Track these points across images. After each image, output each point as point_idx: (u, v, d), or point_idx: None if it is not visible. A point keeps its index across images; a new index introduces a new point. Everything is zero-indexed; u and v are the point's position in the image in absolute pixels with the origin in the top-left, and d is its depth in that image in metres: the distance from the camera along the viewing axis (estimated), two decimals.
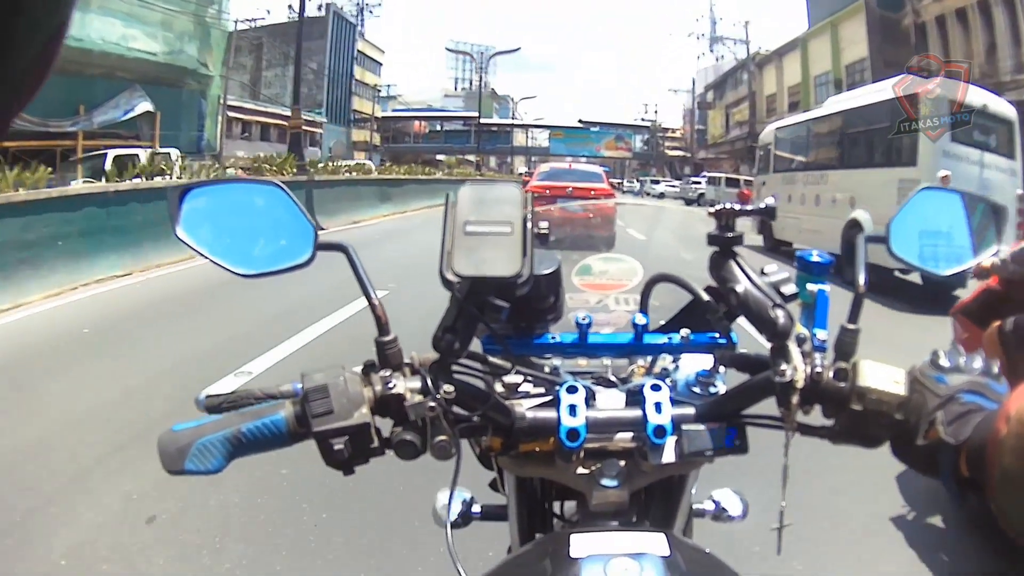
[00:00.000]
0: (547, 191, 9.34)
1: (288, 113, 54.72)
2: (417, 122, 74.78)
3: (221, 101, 35.12)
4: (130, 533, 2.36)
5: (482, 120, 72.61)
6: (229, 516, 2.47)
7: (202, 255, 0.64)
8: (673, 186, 46.20)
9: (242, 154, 23.30)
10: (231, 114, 44.30)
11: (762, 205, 0.80)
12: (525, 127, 70.55)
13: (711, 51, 55.70)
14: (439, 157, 78.83)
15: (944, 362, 0.63)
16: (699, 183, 37.77)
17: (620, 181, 68.07)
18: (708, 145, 51.20)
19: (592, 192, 9.84)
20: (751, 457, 0.72)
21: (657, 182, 51.83)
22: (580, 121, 70.19)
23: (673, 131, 70.75)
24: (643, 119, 72.44)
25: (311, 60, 60.31)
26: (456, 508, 1.01)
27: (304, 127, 55.85)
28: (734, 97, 45.88)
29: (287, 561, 2.20)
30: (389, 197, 19.11)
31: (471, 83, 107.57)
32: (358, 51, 64.80)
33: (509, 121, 71.38)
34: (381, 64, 71.00)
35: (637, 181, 51.65)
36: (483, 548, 1.12)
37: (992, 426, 0.51)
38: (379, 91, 68.83)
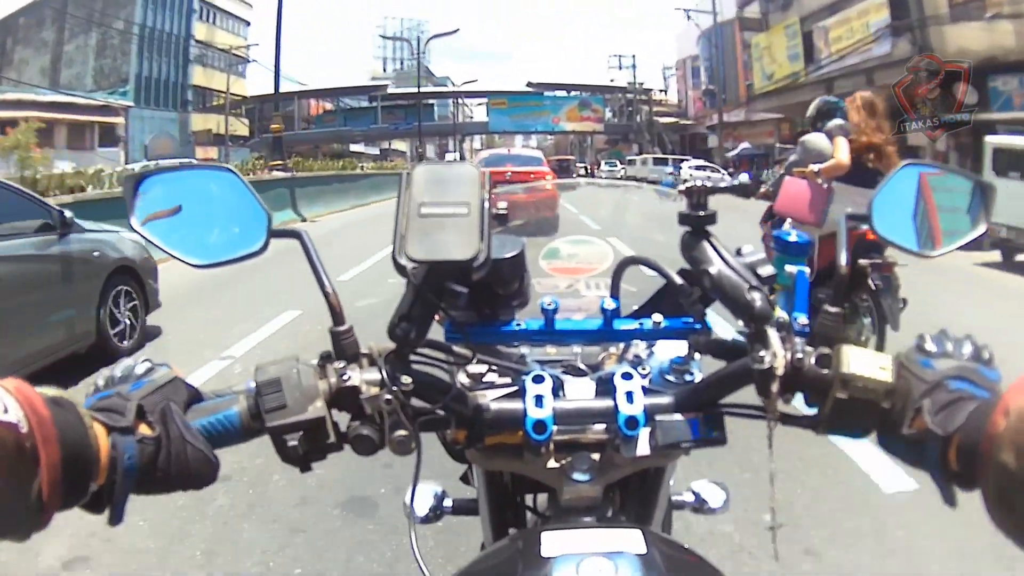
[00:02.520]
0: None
1: (82, 100, 34.07)
2: (314, 101, 54.84)
3: None
4: None
5: (392, 91, 52.92)
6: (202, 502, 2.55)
7: (157, 247, 0.63)
8: (704, 167, 26.90)
9: None
10: None
11: (736, 182, 0.73)
12: (455, 96, 50.87)
13: None
14: (354, 148, 59.01)
15: (931, 346, 0.59)
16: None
17: (585, 166, 49.54)
18: (753, 97, 30.42)
19: (532, 175, 9.91)
20: (731, 447, 0.69)
21: (665, 162, 33.28)
22: (530, 84, 51.03)
23: (654, 93, 52.05)
24: (612, 81, 53.15)
25: (115, 16, 40.26)
26: (427, 503, 1.00)
27: (88, 117, 34.62)
28: None
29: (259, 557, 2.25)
30: None
31: (403, 63, 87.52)
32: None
33: (432, 89, 51.05)
34: (248, 23, 50.52)
35: (673, 164, 31.13)
36: (458, 542, 1.10)
37: (988, 419, 0.48)
38: (242, 57, 48.11)
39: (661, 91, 52.48)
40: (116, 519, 0.53)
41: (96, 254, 4.46)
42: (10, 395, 0.44)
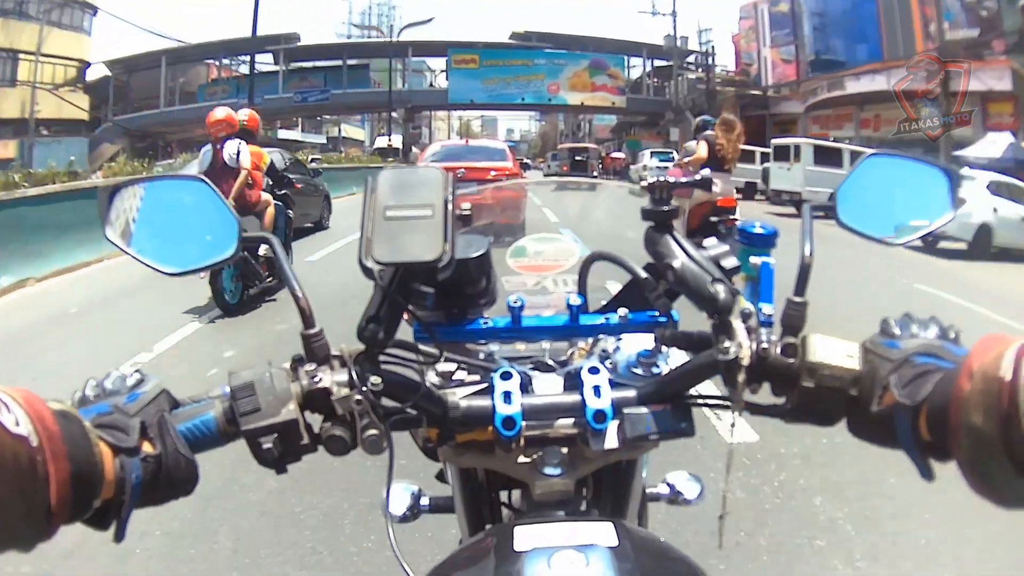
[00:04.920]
0: None
1: None
2: (213, 64, 37.87)
3: None
4: None
5: (304, 42, 36.00)
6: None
7: (131, 255, 0.66)
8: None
9: None
10: None
11: (697, 177, 0.90)
12: (397, 51, 34.12)
13: None
14: (286, 135, 42.00)
15: (895, 330, 0.60)
16: None
17: (598, 161, 33.89)
18: (998, 33, 15.93)
19: (491, 172, 8.25)
20: (703, 439, 0.76)
21: (834, 160, 17.75)
22: (514, 36, 34.79)
23: (693, 58, 36.23)
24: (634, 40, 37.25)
25: None
26: (404, 502, 1.03)
27: None
28: None
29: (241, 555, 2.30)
30: None
31: (370, 35, 69.26)
32: None
33: (366, 39, 34.53)
34: None
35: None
36: (435, 540, 1.07)
37: (954, 383, 0.49)
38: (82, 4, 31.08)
39: (705, 55, 36.56)
40: (121, 536, 0.54)
41: None
42: (20, 408, 0.44)
